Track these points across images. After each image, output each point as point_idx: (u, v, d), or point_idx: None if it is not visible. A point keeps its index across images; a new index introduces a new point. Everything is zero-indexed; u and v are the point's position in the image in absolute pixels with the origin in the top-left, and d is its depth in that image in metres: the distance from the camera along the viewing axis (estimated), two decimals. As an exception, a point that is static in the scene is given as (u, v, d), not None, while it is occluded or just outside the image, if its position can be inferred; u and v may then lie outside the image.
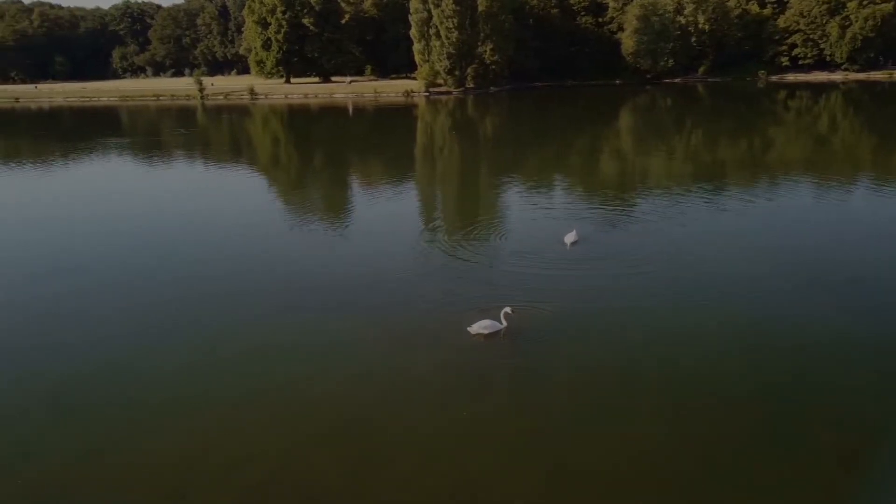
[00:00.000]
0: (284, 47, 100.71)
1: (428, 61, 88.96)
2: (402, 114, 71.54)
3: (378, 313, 13.42)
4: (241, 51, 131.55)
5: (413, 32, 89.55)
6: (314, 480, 8.45)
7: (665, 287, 14.48)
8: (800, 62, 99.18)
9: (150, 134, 59.18)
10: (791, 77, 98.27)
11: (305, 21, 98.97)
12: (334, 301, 14.27)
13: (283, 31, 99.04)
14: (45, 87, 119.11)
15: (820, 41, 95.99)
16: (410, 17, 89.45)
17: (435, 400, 10.33)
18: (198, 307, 14.25)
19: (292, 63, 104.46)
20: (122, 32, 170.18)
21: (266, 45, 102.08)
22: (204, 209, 24.75)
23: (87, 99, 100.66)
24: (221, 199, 26.94)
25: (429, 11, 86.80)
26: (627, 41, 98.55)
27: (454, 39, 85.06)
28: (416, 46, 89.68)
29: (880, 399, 10.06)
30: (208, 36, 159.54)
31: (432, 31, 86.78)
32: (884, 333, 12.09)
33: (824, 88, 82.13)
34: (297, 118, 71.36)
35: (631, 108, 70.85)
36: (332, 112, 75.19)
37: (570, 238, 17.20)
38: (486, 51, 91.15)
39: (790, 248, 17.43)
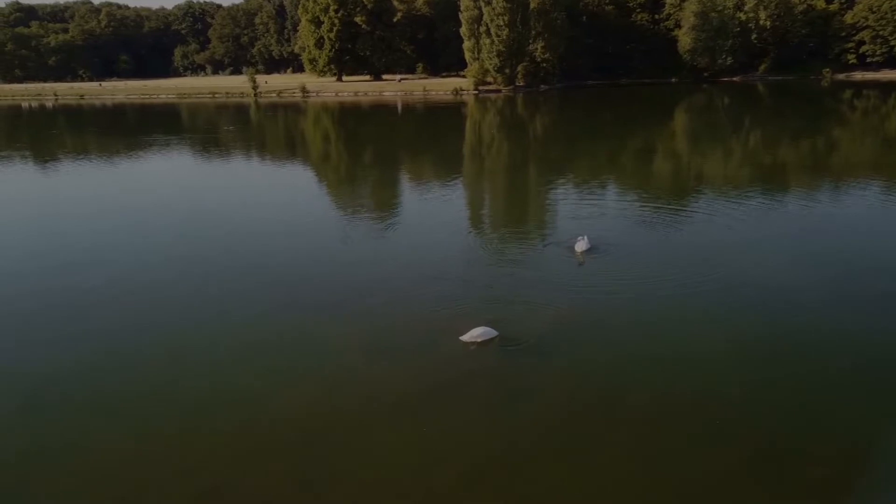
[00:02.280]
0: (337, 45, 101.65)
1: (478, 59, 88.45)
2: (450, 112, 71.25)
3: (373, 317, 13.07)
4: (296, 49, 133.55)
5: (463, 30, 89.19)
6: (262, 492, 8.16)
7: (682, 302, 13.45)
8: (868, 60, 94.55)
9: (198, 131, 60.10)
10: (858, 75, 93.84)
11: (358, 19, 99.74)
12: (332, 302, 13.93)
13: (335, 29, 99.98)
14: (109, 85, 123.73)
15: (890, 38, 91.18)
16: (461, 15, 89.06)
17: (406, 413, 9.79)
18: (190, 305, 14.11)
19: (344, 61, 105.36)
20: (183, 31, 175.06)
21: (319, 44, 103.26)
22: (228, 205, 24.87)
23: (147, 96, 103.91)
24: (247, 196, 27.11)
25: (479, 9, 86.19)
26: (684, 38, 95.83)
27: (504, 37, 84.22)
28: (467, 44, 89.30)
29: (885, 438, 9.01)
30: (265, 35, 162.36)
31: (482, 28, 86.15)
32: None
33: (894, 87, 78.07)
34: (346, 116, 71.82)
35: (686, 108, 68.80)
36: (382, 110, 75.46)
37: (580, 246, 16.21)
38: (537, 49, 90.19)
39: (839, 260, 16.08)
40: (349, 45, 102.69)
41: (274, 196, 26.98)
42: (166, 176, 33.24)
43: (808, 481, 8.15)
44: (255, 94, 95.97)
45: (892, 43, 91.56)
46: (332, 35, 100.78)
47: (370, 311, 13.39)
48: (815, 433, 9.08)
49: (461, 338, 11.49)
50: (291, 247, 18.51)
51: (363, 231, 20.66)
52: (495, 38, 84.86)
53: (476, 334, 11.46)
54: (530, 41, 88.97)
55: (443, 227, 20.40)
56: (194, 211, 23.71)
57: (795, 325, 12.31)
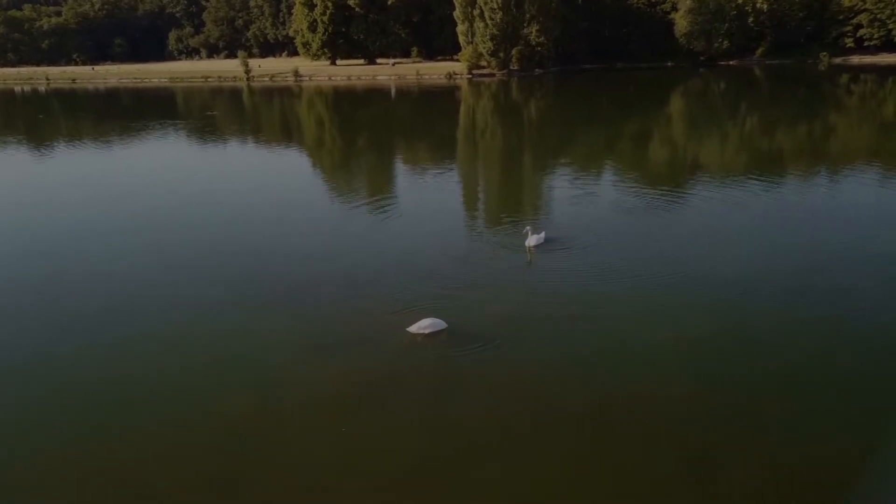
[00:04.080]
0: (330, 29, 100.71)
1: (472, 43, 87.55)
2: (444, 97, 70.61)
3: (323, 309, 12.82)
4: (291, 32, 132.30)
5: (457, 13, 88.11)
6: (174, 493, 7.92)
7: (638, 295, 13.07)
8: (865, 43, 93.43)
9: (181, 116, 58.94)
10: (856, 59, 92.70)
11: (351, 2, 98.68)
12: (285, 294, 13.64)
13: (328, 12, 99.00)
14: (102, 69, 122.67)
15: (888, 21, 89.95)
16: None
17: (340, 410, 9.47)
18: (133, 298, 13.77)
19: (338, 45, 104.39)
20: (178, 15, 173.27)
21: (312, 27, 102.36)
22: (196, 194, 24.38)
23: (140, 80, 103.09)
24: (218, 184, 26.73)
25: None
26: (681, 21, 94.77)
27: (498, 20, 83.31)
28: (460, 28, 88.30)
29: (832, 439, 8.67)
30: (260, 18, 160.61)
31: (476, 12, 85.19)
32: (867, 366, 10.43)
33: (892, 71, 77.22)
34: (339, 101, 71.12)
35: (682, 93, 68.05)
36: (375, 95, 74.75)
37: (531, 241, 15.66)
38: (531, 32, 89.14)
39: (805, 251, 15.71)
40: (343, 29, 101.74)
41: (245, 184, 26.49)
42: (141, 163, 32.75)
43: (744, 484, 7.86)
44: (248, 79, 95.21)
45: (890, 26, 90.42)
46: (325, 18, 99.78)
47: (322, 302, 13.14)
48: (756, 435, 8.78)
49: (408, 329, 11.24)
50: (252, 238, 18.13)
51: (329, 220, 20.23)
52: (489, 22, 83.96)
53: (424, 325, 11.22)
54: (525, 25, 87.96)
55: (415, 217, 20.12)
56: (157, 199, 23.29)
57: (750, 319, 12.04)
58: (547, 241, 16.04)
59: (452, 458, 8.42)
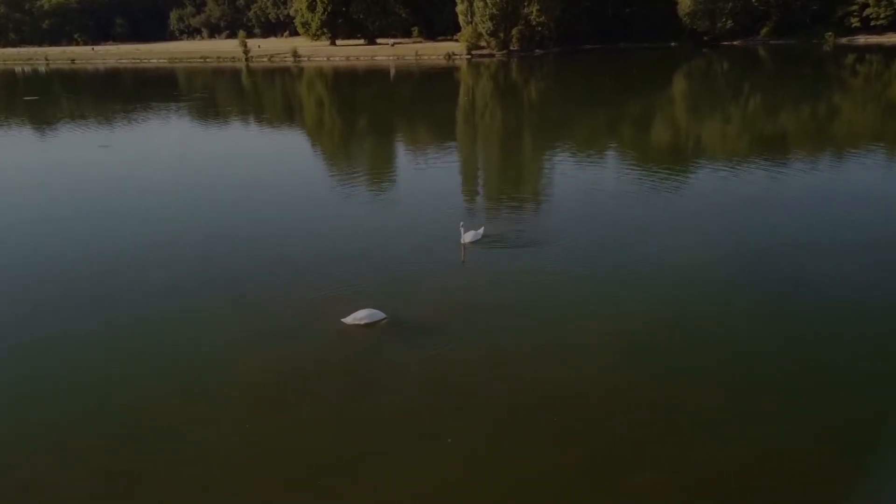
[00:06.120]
0: (329, 8, 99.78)
1: (471, 23, 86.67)
2: (441, 78, 69.99)
3: (260, 297, 12.58)
4: (291, 12, 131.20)
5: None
6: (74, 490, 7.77)
7: (588, 287, 12.70)
8: (872, 23, 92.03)
9: (169, 99, 56.62)
10: (862, 39, 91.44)
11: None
12: (224, 282, 13.37)
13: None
14: (102, 49, 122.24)
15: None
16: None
17: (253, 404, 9.26)
18: (69, 286, 13.53)
19: (337, 25, 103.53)
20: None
21: (311, 7, 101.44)
22: (157, 179, 23.95)
23: (139, 61, 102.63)
24: (182, 169, 26.24)
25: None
26: (684, 1, 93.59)
27: (497, 0, 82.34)
28: (460, 7, 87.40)
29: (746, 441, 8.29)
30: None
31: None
32: (808, 362, 10.06)
33: (897, 52, 76.21)
34: (337, 81, 70.49)
35: (684, 74, 67.23)
36: (374, 75, 74.13)
37: (468, 237, 14.89)
38: (532, 11, 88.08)
39: (760, 238, 15.37)
40: (343, 9, 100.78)
41: (220, 168, 26.03)
42: (116, 149, 31.93)
43: (656, 485, 7.60)
44: (247, 59, 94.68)
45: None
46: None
47: (261, 290, 12.93)
48: (677, 434, 8.48)
49: (343, 320, 11.00)
50: (202, 224, 17.81)
51: (295, 205, 19.75)
52: (488, 1, 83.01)
53: (360, 316, 10.98)
54: (525, 4, 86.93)
55: (385, 203, 19.92)
56: (115, 184, 22.98)
57: (697, 311, 11.80)
58: (512, 230, 15.73)
59: (364, 455, 8.19)
